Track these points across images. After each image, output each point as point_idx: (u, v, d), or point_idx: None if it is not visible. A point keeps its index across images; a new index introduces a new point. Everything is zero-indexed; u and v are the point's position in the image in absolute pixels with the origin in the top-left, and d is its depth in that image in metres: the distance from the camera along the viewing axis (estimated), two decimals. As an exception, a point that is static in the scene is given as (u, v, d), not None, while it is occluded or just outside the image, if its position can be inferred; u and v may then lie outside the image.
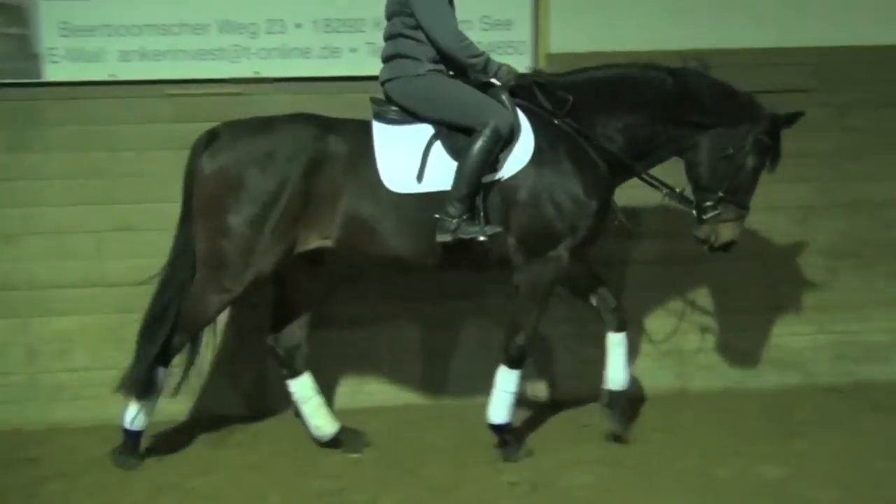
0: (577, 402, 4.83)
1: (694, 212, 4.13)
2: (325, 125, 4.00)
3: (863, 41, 5.10)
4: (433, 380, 5.01)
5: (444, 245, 3.88)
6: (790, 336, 5.25)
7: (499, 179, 3.95)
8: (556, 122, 4.04)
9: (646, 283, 5.09)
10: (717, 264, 4.73)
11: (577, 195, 3.98)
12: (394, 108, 3.99)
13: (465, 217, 3.81)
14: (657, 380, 5.11)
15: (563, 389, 5.03)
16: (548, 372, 5.08)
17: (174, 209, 4.08)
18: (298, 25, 4.74)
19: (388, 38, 4.03)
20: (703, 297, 5.16)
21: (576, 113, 4.03)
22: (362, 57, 4.75)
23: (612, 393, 4.29)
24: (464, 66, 3.95)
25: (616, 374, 4.27)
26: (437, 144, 3.93)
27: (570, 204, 3.97)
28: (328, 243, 4.00)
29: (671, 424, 4.59)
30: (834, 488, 3.80)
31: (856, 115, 5.19)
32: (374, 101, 4.07)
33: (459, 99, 3.89)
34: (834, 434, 4.42)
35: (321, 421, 4.32)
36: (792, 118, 4.07)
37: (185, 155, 4.06)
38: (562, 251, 4.03)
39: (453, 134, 3.92)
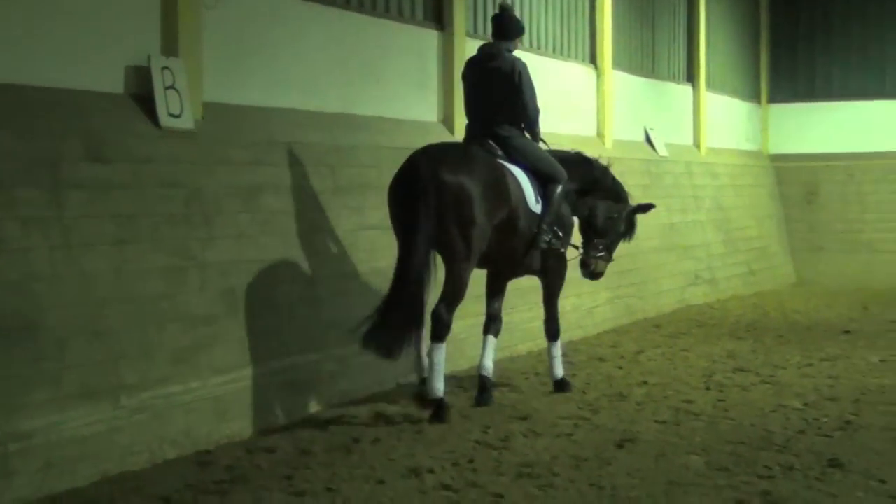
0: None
1: (581, 251, 6.84)
2: (495, 158, 6.19)
3: None
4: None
5: (524, 250, 6.30)
6: None
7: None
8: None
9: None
10: None
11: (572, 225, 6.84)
12: (500, 152, 6.27)
13: (550, 236, 6.35)
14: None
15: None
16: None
17: None
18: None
19: (498, 109, 6.33)
20: None
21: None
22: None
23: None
24: (533, 133, 6.49)
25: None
26: (533, 180, 6.34)
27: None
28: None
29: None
30: None
31: None
32: (487, 145, 6.28)
33: (547, 157, 6.49)
34: None
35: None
36: (647, 207, 7.05)
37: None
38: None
39: (535, 177, 6.35)
